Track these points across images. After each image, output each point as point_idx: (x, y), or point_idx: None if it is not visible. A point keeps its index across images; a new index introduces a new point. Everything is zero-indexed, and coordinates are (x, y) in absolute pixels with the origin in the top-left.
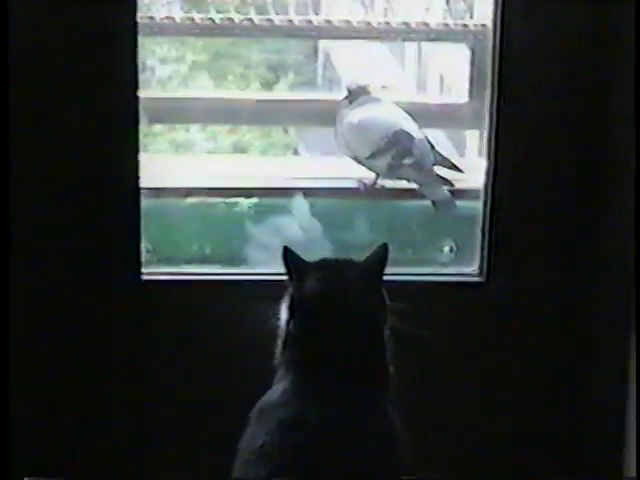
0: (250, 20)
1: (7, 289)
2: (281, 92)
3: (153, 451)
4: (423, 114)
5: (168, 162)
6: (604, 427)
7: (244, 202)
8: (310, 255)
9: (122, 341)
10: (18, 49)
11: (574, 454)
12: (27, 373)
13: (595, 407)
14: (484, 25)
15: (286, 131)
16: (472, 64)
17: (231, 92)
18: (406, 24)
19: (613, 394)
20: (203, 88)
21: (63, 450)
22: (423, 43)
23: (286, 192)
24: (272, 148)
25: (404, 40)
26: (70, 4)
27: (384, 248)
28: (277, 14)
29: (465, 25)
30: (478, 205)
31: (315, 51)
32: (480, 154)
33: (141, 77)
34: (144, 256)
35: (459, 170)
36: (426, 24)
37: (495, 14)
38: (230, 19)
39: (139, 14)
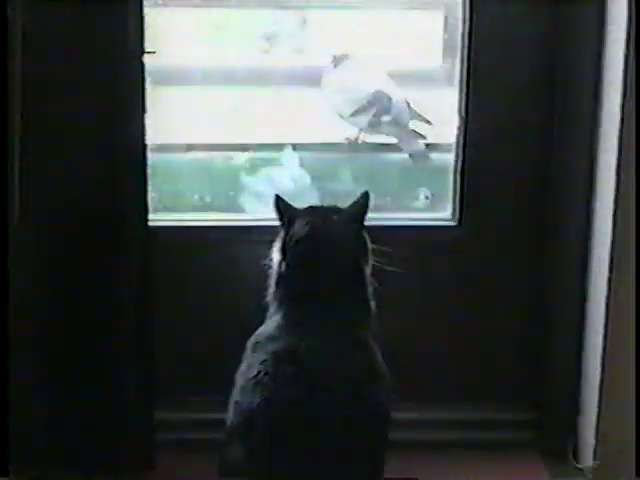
0: None
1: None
2: (274, 58)
3: (165, 378)
4: (401, 76)
5: (171, 120)
6: (561, 359)
7: (240, 156)
8: (299, 203)
9: (130, 281)
10: (33, 29)
11: (534, 383)
12: (44, 311)
13: (554, 343)
14: None
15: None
16: (445, 30)
17: (228, 58)
18: None
19: (570, 330)
20: (203, 55)
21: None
22: (401, 11)
23: (277, 146)
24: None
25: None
26: None
27: (366, 196)
28: None
29: None
30: (450, 157)
31: (303, 21)
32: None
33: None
34: (151, 204)
35: (429, 123)
36: None
37: None
38: None
39: None
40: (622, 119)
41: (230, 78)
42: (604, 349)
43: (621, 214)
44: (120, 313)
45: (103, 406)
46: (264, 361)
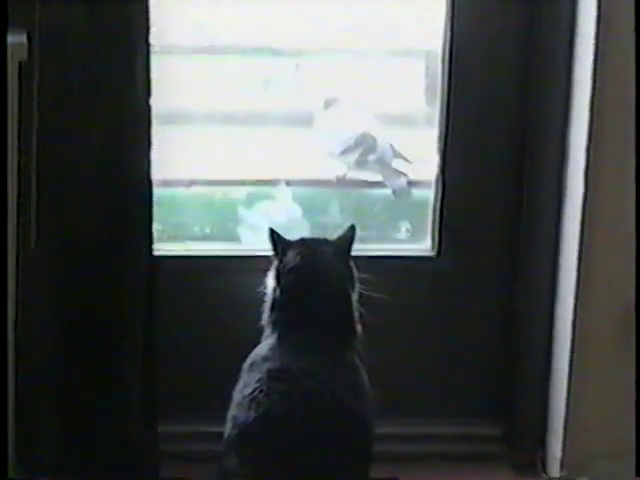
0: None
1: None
2: (270, 101)
3: (166, 398)
4: (386, 118)
5: (175, 158)
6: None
7: (238, 190)
8: (291, 234)
9: (137, 305)
10: (46, 55)
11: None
12: (56, 329)
13: (523, 364)
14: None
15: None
16: (427, 76)
17: (228, 101)
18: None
19: (539, 352)
20: (205, 98)
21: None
22: (386, 57)
23: (272, 182)
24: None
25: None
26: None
27: (352, 229)
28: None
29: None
30: (430, 193)
31: (297, 66)
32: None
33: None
34: (155, 234)
35: (409, 162)
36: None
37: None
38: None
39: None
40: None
41: (229, 119)
42: (570, 370)
43: (585, 250)
44: (127, 333)
45: (109, 419)
46: (259, 379)
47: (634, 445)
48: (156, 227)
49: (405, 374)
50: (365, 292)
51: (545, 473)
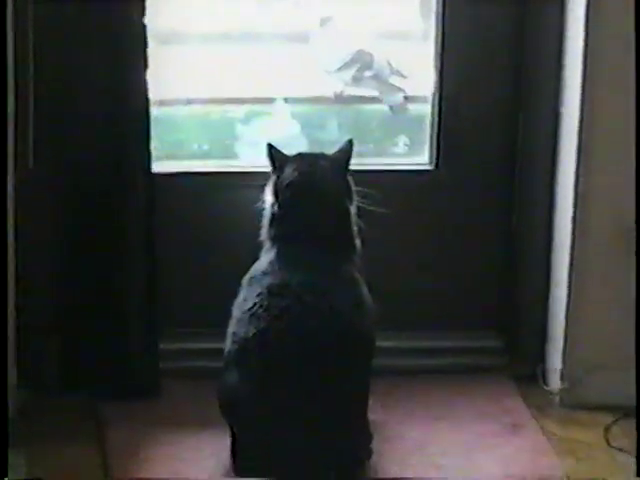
0: None
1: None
2: (267, 19)
3: (166, 315)
4: (382, 34)
5: (173, 77)
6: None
7: (235, 108)
8: (289, 150)
9: (136, 222)
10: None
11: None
12: (58, 248)
13: (523, 276)
14: None
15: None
16: None
17: (223, 21)
18: None
19: (539, 264)
20: (199, 18)
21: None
22: None
23: (270, 100)
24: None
25: None
26: None
27: (350, 143)
28: None
29: None
30: (427, 108)
31: None
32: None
33: None
34: (154, 153)
35: (405, 77)
36: None
37: None
38: None
39: None
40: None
41: (226, 37)
42: (570, 282)
43: (584, 159)
44: (126, 250)
45: (110, 337)
46: (259, 294)
47: (634, 356)
48: (154, 145)
49: (405, 287)
50: (363, 206)
51: (545, 385)
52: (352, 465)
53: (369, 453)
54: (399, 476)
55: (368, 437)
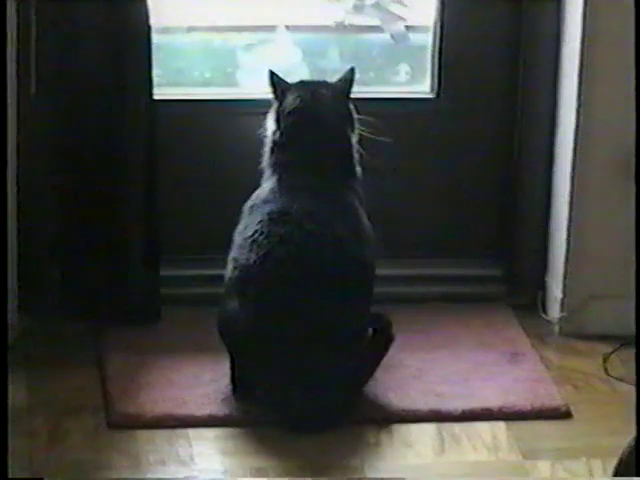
0: None
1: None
2: None
3: (167, 242)
4: None
5: (174, 4)
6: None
7: (237, 36)
8: (291, 78)
9: (138, 149)
10: None
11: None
12: (59, 175)
13: (523, 206)
14: None
15: None
16: None
17: None
18: None
19: (538, 193)
20: None
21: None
22: None
23: (271, 28)
24: None
25: None
26: None
27: (351, 71)
28: None
29: None
30: (428, 37)
31: None
32: None
33: None
34: (155, 80)
35: (405, 5)
36: None
37: None
38: None
39: None
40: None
41: None
42: (570, 211)
43: (585, 86)
44: (128, 177)
45: (113, 264)
46: (259, 222)
47: (634, 285)
48: (156, 72)
49: (405, 216)
50: (365, 134)
51: (545, 314)
52: (350, 395)
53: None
54: (397, 404)
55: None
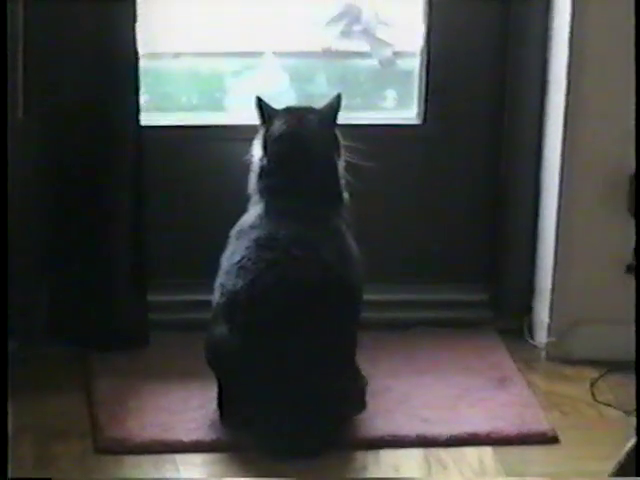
0: None
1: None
2: None
3: (154, 267)
4: None
5: (162, 30)
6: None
7: (225, 62)
8: (278, 104)
9: (124, 174)
10: None
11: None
12: (45, 200)
13: (509, 229)
14: None
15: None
16: None
17: None
18: None
19: (525, 216)
20: None
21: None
22: None
23: (259, 54)
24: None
25: None
26: None
27: (338, 97)
28: None
29: None
30: (415, 63)
31: None
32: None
33: None
34: (143, 105)
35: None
36: None
37: None
38: None
39: None
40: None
41: None
42: (557, 234)
43: (571, 117)
44: (115, 203)
45: (99, 288)
46: (247, 247)
47: (622, 310)
48: (143, 98)
49: (391, 241)
50: (352, 160)
51: (532, 339)
52: (338, 420)
53: (362, 405)
54: (384, 429)
55: (360, 389)
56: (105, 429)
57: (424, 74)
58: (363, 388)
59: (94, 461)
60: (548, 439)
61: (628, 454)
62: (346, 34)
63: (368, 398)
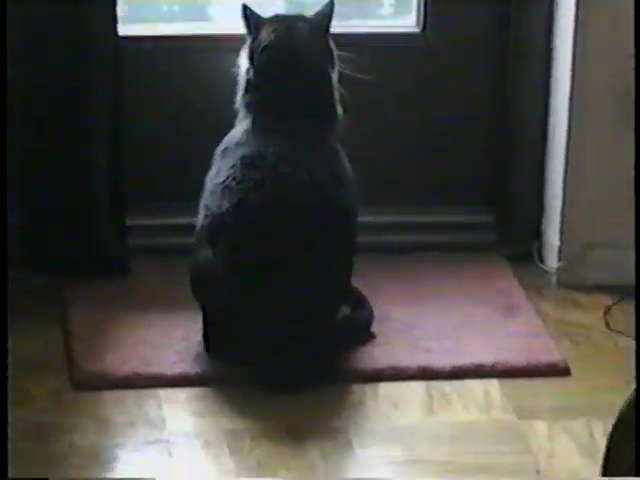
0: None
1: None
2: None
3: (136, 185)
4: None
5: None
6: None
7: None
8: (266, 12)
9: (103, 90)
10: None
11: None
12: (24, 116)
13: (518, 146)
14: None
15: None
16: None
17: None
18: None
19: (534, 132)
20: None
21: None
22: None
23: None
24: None
25: None
26: None
27: (331, 4)
28: None
29: None
30: None
31: None
32: None
33: None
34: (120, 15)
35: None
36: None
37: None
38: None
39: None
40: None
41: None
42: (567, 153)
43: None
44: (94, 118)
45: (77, 213)
46: (232, 166)
47: (633, 233)
48: (120, 8)
49: (390, 159)
50: (346, 71)
51: (542, 264)
52: (332, 352)
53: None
54: (382, 361)
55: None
56: (83, 363)
57: None
58: (368, 317)
59: (71, 397)
60: (559, 370)
61: (628, 406)
62: None
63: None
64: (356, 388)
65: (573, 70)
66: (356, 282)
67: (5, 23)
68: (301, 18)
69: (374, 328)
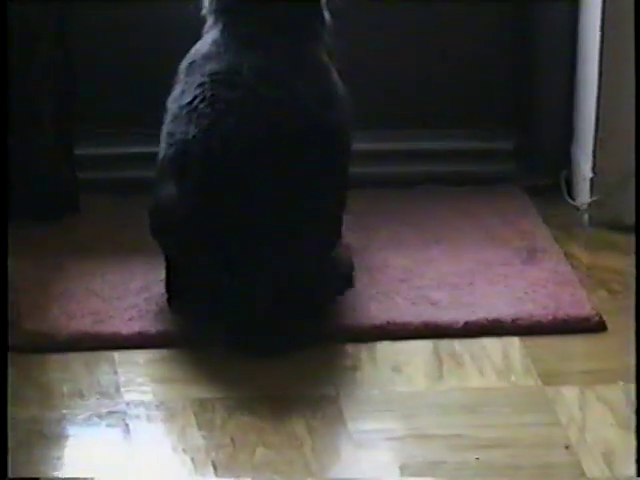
0: None
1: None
2: None
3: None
4: None
5: None
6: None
7: None
8: None
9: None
10: None
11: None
12: None
13: (545, 62)
14: None
15: None
16: None
17: None
18: None
19: (562, 47)
20: None
21: None
22: None
23: None
24: None
25: None
26: None
27: None
28: None
29: None
30: None
31: None
32: None
33: None
34: None
35: None
36: None
37: None
38: None
39: None
40: None
41: None
42: (600, 66)
43: None
44: (39, 37)
45: (16, 143)
46: (200, 84)
47: None
48: None
49: (391, 76)
50: None
51: (571, 199)
52: (320, 301)
53: (348, 285)
54: (381, 316)
55: (346, 265)
56: (25, 321)
57: None
58: (348, 275)
59: (12, 361)
60: (592, 326)
61: None
62: None
63: (361, 276)
64: (349, 349)
65: None
66: (348, 222)
67: (5, 23)
68: None
69: (370, 278)
